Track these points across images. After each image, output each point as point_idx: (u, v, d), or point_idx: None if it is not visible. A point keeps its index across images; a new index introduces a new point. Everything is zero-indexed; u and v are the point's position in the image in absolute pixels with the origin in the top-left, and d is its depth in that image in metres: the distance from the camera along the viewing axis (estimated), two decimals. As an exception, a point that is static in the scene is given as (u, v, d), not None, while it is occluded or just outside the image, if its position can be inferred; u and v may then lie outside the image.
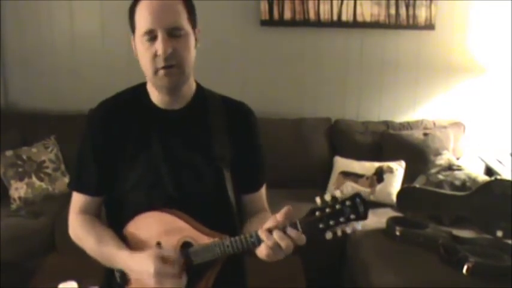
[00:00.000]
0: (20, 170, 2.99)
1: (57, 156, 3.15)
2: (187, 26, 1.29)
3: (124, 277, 1.36)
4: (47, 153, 3.12)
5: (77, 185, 1.45)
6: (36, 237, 2.75)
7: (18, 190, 2.94)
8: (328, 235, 1.15)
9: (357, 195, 1.15)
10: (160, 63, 1.26)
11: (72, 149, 3.24)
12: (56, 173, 3.09)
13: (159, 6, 1.25)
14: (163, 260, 1.24)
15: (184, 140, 1.37)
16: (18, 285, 2.40)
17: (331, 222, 1.15)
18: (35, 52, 3.49)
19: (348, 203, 1.14)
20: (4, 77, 3.51)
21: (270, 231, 1.17)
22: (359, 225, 1.15)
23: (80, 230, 1.42)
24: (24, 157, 3.03)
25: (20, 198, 2.93)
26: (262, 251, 1.20)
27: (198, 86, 1.44)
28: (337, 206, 1.14)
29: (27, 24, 3.45)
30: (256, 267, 1.52)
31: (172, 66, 1.27)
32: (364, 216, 1.14)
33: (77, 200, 1.45)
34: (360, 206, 1.14)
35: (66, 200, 2.97)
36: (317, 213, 1.16)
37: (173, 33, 1.26)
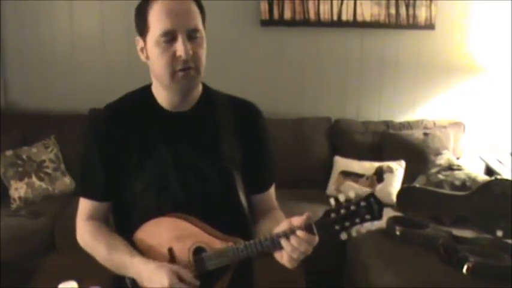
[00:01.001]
0: (20, 170, 2.99)
1: (57, 156, 3.15)
2: (202, 27, 1.28)
3: (135, 282, 1.33)
4: (47, 153, 3.12)
5: (84, 190, 1.43)
6: (36, 237, 2.75)
7: (18, 190, 2.94)
8: (343, 236, 1.16)
9: (371, 196, 1.15)
10: (180, 65, 1.24)
11: (72, 149, 3.27)
12: (56, 173, 3.09)
13: (177, 7, 1.23)
14: (179, 278, 1.22)
15: (192, 142, 1.35)
16: (18, 285, 2.40)
17: (347, 223, 1.15)
18: (35, 52, 3.49)
19: (362, 203, 1.15)
20: (4, 77, 3.51)
21: (287, 236, 1.17)
22: (373, 226, 1.16)
23: (89, 237, 1.39)
24: (24, 157, 3.03)
25: (20, 198, 2.93)
26: (283, 257, 1.20)
27: (205, 86, 1.42)
28: (352, 207, 1.15)
29: (27, 24, 3.45)
30: (256, 268, 1.52)
31: (191, 69, 1.25)
32: (378, 216, 1.15)
33: (85, 205, 1.42)
34: (374, 206, 1.15)
35: (66, 200, 3.00)
36: (332, 214, 1.16)
37: (192, 35, 1.24)
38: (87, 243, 1.40)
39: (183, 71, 1.25)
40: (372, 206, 1.14)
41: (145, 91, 1.39)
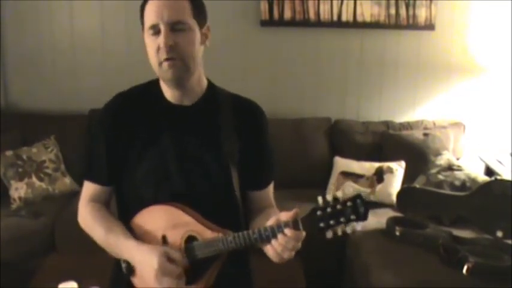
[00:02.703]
0: (20, 170, 2.99)
1: (57, 156, 3.15)
2: (191, 21, 1.32)
3: (130, 267, 1.37)
4: (47, 153, 3.12)
5: (89, 174, 1.47)
6: (36, 237, 2.75)
7: (18, 190, 2.94)
8: (329, 234, 1.18)
9: (358, 197, 1.17)
10: (163, 55, 1.30)
11: (72, 149, 3.28)
12: (56, 173, 3.09)
13: (164, 2, 1.30)
14: (168, 258, 1.26)
15: (194, 136, 1.39)
16: (18, 285, 2.40)
17: (332, 222, 1.17)
18: (35, 52, 3.49)
19: (349, 203, 1.16)
20: (4, 77, 3.51)
21: (273, 232, 1.20)
22: (359, 226, 1.18)
23: (89, 218, 1.44)
24: (24, 157, 3.03)
25: (20, 198, 2.93)
26: (271, 254, 1.23)
27: (210, 83, 1.47)
28: (338, 207, 1.17)
29: (27, 24, 3.45)
30: (256, 268, 1.52)
31: (175, 59, 1.30)
32: (364, 217, 1.17)
33: (88, 189, 1.47)
34: (360, 207, 1.16)
35: (66, 200, 3.00)
36: (318, 212, 1.18)
37: (176, 28, 1.29)
38: (87, 224, 1.45)
39: (167, 61, 1.30)
40: (357, 206, 1.16)
41: (153, 84, 1.44)
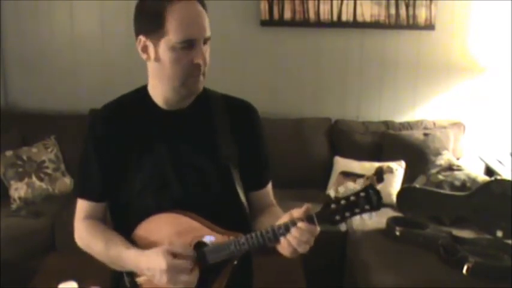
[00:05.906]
0: (20, 170, 2.99)
1: (57, 156, 3.15)
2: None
3: (134, 282, 1.33)
4: (47, 153, 3.12)
5: (82, 191, 1.43)
6: (36, 237, 2.75)
7: (18, 190, 2.94)
8: (343, 226, 1.19)
9: (370, 187, 1.17)
10: (196, 71, 1.26)
11: (72, 149, 3.28)
12: (56, 173, 3.09)
13: (196, 14, 1.23)
14: (174, 255, 1.22)
15: (190, 140, 1.36)
16: (18, 285, 2.40)
17: (347, 214, 1.17)
18: (35, 52, 3.49)
19: (362, 194, 1.17)
20: (4, 77, 3.52)
21: (288, 228, 1.18)
22: (371, 216, 1.18)
23: (86, 235, 1.39)
24: (24, 157, 3.03)
25: (20, 198, 2.93)
26: (285, 248, 1.20)
27: None
28: (352, 198, 1.17)
29: (27, 24, 3.45)
30: (255, 267, 1.52)
31: (202, 74, 1.28)
32: (378, 207, 1.17)
33: (82, 206, 1.43)
34: (373, 196, 1.17)
35: (66, 200, 3.01)
36: (332, 205, 1.18)
37: (205, 42, 1.27)
38: (84, 241, 1.40)
39: (195, 77, 1.27)
40: (370, 196, 1.16)
41: (141, 91, 1.40)
